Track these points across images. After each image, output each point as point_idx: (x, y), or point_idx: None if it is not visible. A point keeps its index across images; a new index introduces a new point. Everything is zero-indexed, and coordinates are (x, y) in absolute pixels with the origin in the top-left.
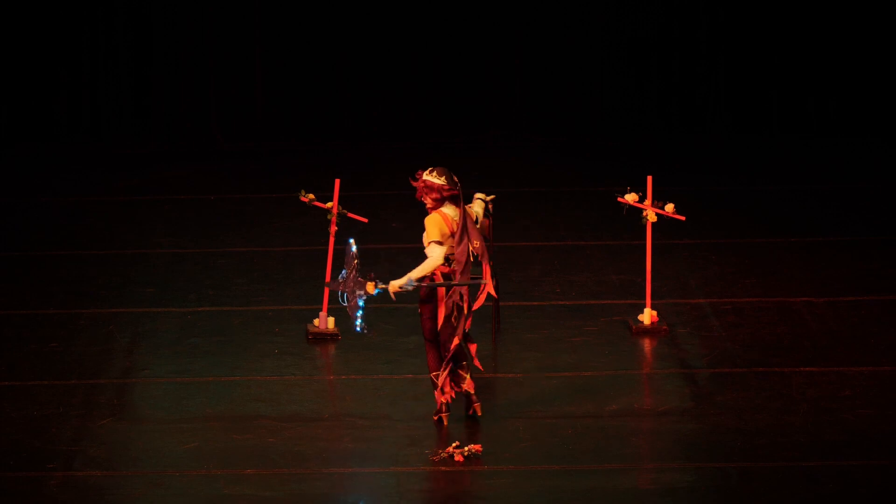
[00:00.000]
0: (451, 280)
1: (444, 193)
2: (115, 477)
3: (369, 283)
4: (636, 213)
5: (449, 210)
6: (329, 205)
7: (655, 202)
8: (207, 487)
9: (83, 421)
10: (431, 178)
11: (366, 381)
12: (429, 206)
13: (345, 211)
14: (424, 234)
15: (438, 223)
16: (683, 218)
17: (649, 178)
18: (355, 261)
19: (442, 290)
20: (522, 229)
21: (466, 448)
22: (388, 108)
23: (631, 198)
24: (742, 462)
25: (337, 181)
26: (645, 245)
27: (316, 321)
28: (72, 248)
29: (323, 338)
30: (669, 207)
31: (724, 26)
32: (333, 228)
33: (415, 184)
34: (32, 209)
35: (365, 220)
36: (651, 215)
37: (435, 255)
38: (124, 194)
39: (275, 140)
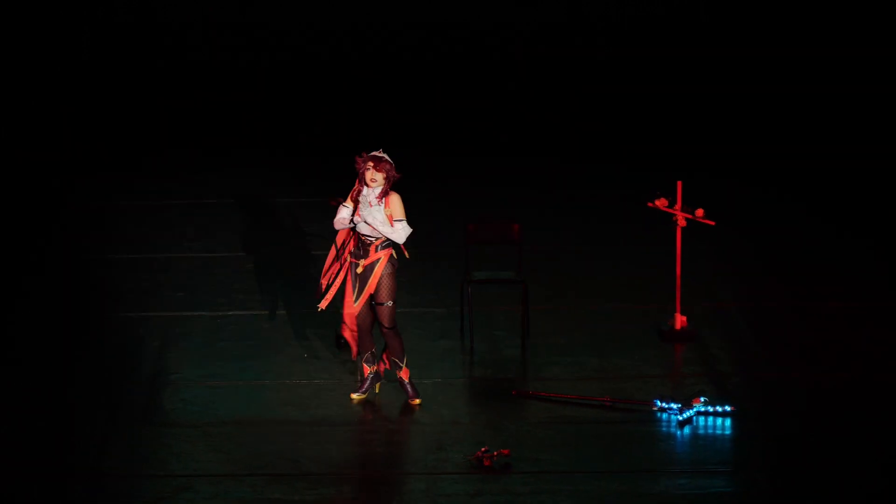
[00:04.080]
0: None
1: (394, 174)
2: (143, 480)
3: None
4: (666, 217)
5: (399, 197)
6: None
7: (685, 207)
8: (236, 491)
9: (112, 424)
10: (385, 156)
11: (394, 385)
12: (378, 181)
13: None
14: (390, 210)
15: (401, 202)
16: (713, 223)
17: (679, 183)
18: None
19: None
20: (551, 233)
21: (495, 452)
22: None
23: (661, 203)
24: (771, 468)
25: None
26: (675, 249)
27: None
28: (102, 251)
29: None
30: (699, 212)
31: None
32: None
33: (367, 157)
34: (63, 214)
35: None
36: (681, 220)
37: (405, 231)
38: (154, 198)
39: (302, 145)
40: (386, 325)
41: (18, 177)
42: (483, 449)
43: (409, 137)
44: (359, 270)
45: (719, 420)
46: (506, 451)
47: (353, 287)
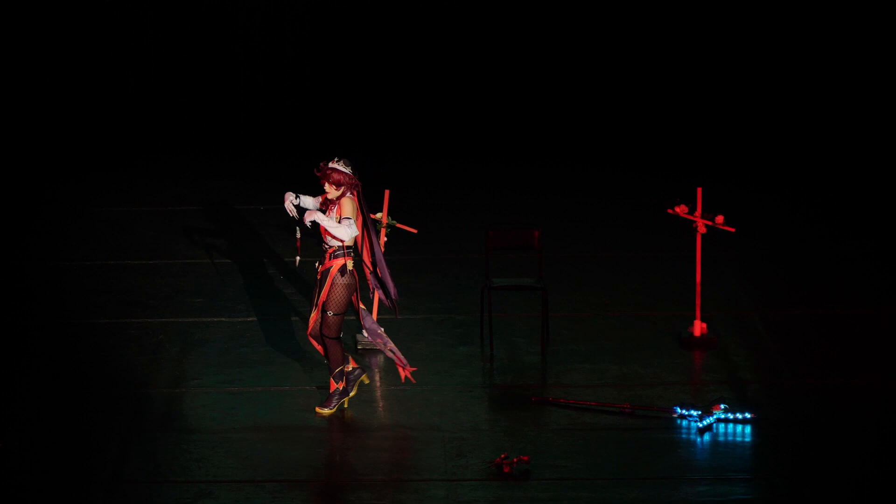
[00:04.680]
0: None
1: (348, 181)
2: (163, 486)
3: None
4: (686, 223)
5: (352, 200)
6: (379, 216)
7: (705, 213)
8: (256, 497)
9: (132, 430)
10: (338, 166)
11: (414, 392)
12: (332, 193)
13: (395, 222)
14: (336, 210)
15: (353, 204)
16: (733, 230)
17: (699, 190)
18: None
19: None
20: (571, 240)
21: (515, 459)
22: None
23: (681, 209)
24: (791, 476)
25: (387, 192)
26: (695, 256)
27: (365, 332)
28: (121, 257)
29: (372, 348)
30: (719, 219)
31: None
32: (383, 239)
33: (318, 173)
34: (82, 218)
35: (414, 231)
36: (701, 227)
37: (350, 230)
38: (173, 204)
39: (317, 150)
40: (325, 334)
41: (33, 179)
42: (503, 455)
43: (429, 143)
44: (318, 276)
45: (739, 427)
46: (525, 458)
47: (314, 296)
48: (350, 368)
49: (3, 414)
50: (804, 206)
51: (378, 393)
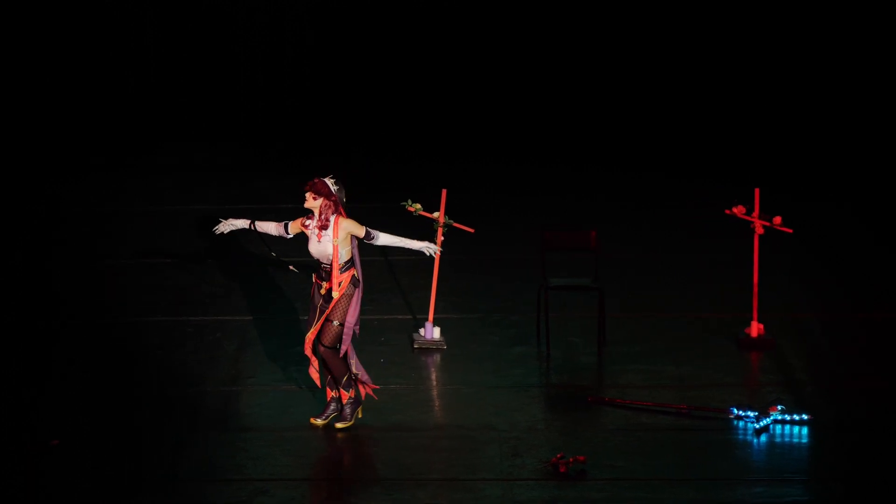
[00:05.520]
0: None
1: (325, 193)
2: (219, 484)
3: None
4: (742, 225)
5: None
6: (435, 215)
7: (763, 214)
8: (311, 495)
9: (189, 428)
10: (326, 180)
11: (470, 391)
12: (308, 202)
13: (451, 221)
14: (352, 230)
15: (354, 221)
16: (791, 230)
17: (756, 191)
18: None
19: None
20: (626, 241)
21: (571, 459)
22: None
23: (738, 210)
24: (847, 477)
25: (444, 192)
26: (750, 258)
27: (422, 331)
28: (179, 256)
29: (428, 347)
30: (777, 220)
31: None
32: (440, 238)
33: (308, 187)
34: (138, 217)
35: (471, 231)
36: (758, 227)
37: (391, 236)
38: (229, 203)
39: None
40: (324, 343)
41: (74, 180)
42: (559, 455)
43: (485, 147)
44: (322, 291)
45: (796, 429)
46: (581, 458)
47: (315, 311)
48: (334, 395)
49: (60, 411)
50: (860, 212)
51: (434, 392)
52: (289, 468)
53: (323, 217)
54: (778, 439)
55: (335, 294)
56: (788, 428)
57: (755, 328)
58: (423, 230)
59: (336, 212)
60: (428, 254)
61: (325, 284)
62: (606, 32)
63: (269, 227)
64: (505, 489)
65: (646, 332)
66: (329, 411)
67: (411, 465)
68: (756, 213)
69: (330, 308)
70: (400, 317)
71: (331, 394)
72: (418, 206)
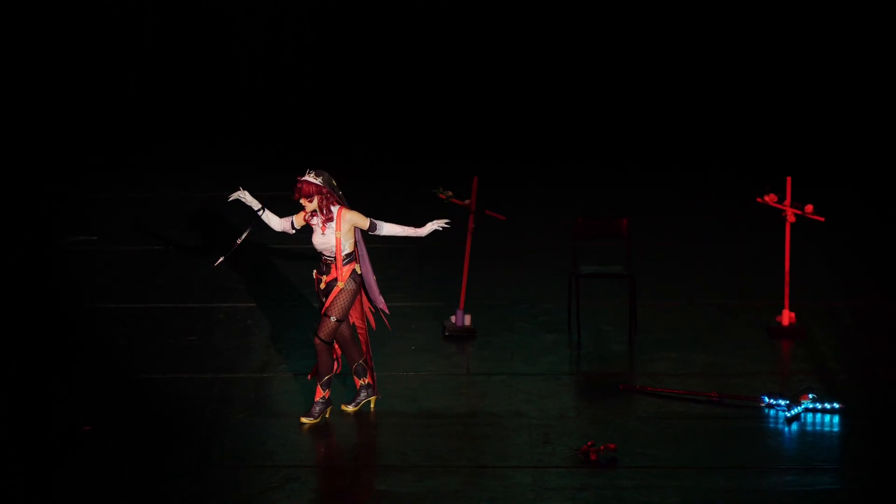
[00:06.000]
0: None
1: (315, 191)
2: (250, 470)
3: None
4: (773, 214)
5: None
6: (467, 202)
7: (794, 203)
8: (343, 482)
9: (220, 414)
10: (308, 178)
11: (501, 378)
12: (312, 205)
13: (483, 209)
14: (356, 221)
15: (357, 212)
16: (823, 219)
17: (788, 179)
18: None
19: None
20: (656, 229)
21: (602, 447)
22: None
23: (770, 198)
24: (879, 466)
25: (475, 179)
26: (782, 247)
27: (452, 318)
28: (209, 243)
29: (459, 335)
30: (808, 208)
31: None
32: (471, 226)
33: (296, 195)
34: (171, 204)
35: (503, 218)
36: (790, 216)
37: (396, 226)
38: (262, 190)
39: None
40: (320, 336)
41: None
42: (589, 443)
43: (515, 145)
44: (322, 286)
45: (827, 417)
46: (612, 446)
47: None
48: (363, 383)
49: (92, 398)
50: (891, 199)
51: (465, 380)
52: (319, 455)
53: (325, 211)
54: (809, 428)
55: (340, 284)
56: (819, 416)
57: (786, 316)
58: (457, 216)
59: (336, 202)
60: (440, 228)
61: (324, 278)
62: (631, 28)
63: (274, 221)
64: (535, 477)
65: (677, 321)
66: (360, 398)
67: (442, 453)
68: (788, 201)
69: (328, 302)
70: (431, 303)
71: (359, 382)
72: (450, 192)
